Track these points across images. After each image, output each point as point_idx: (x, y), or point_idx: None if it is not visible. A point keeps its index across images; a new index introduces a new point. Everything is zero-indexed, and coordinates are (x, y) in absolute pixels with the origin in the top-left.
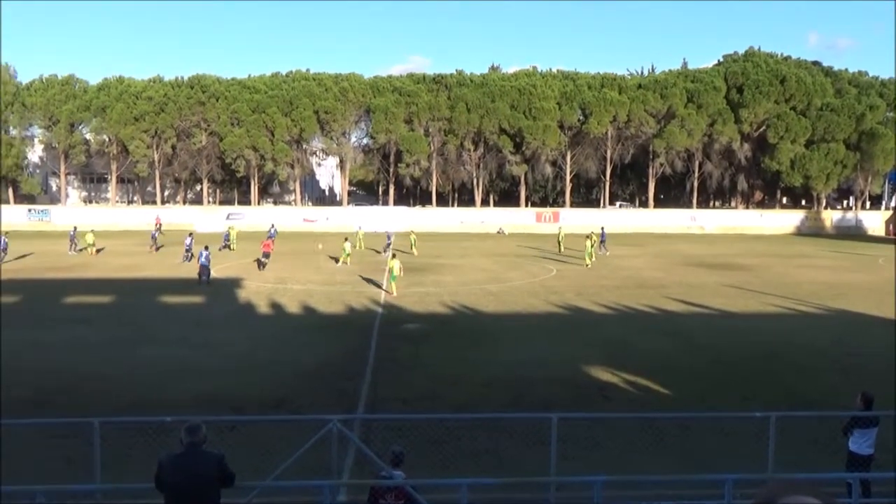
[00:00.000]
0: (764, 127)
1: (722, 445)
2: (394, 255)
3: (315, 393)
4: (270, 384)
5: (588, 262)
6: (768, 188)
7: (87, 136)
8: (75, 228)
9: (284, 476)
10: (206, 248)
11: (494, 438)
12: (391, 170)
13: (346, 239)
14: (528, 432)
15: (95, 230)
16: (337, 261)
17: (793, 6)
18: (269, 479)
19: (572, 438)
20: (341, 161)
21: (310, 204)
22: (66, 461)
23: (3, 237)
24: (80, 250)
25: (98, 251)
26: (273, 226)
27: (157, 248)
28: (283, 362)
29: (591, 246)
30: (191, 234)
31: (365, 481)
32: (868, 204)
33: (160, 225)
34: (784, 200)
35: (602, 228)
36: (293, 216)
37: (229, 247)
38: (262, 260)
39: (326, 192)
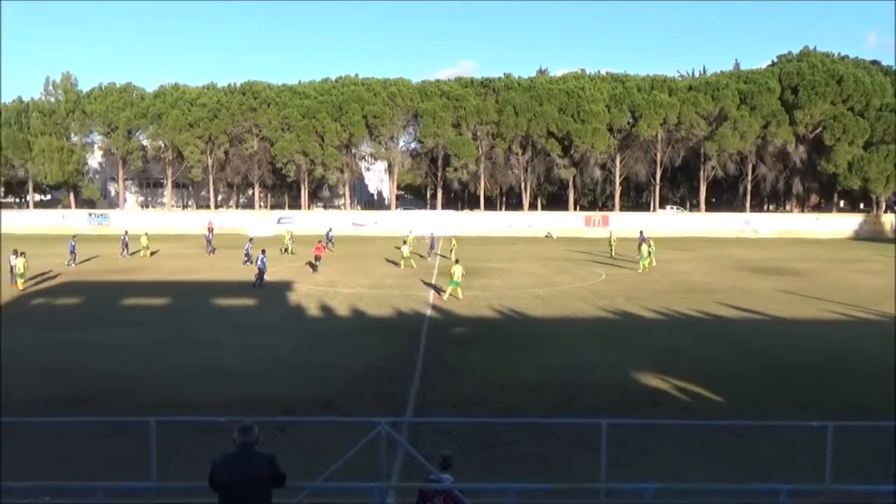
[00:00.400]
0: (820, 128)
1: (776, 454)
2: (457, 261)
3: (364, 395)
4: (320, 386)
5: (644, 267)
6: (824, 191)
7: (144, 142)
8: (127, 232)
9: (333, 477)
10: (263, 251)
11: (543, 443)
12: (439, 174)
13: (404, 242)
14: (576, 437)
15: (150, 233)
16: (398, 265)
17: (850, 5)
18: (318, 480)
19: (621, 444)
20: (389, 165)
21: (358, 208)
22: (118, 460)
23: (71, 241)
24: (133, 253)
25: (152, 254)
26: (330, 229)
27: (212, 252)
28: (333, 364)
29: (650, 253)
30: (250, 240)
31: (413, 484)
32: None
33: (212, 229)
34: (841, 204)
35: (641, 232)
36: (342, 220)
37: (288, 250)
38: (314, 263)
39: (375, 196)
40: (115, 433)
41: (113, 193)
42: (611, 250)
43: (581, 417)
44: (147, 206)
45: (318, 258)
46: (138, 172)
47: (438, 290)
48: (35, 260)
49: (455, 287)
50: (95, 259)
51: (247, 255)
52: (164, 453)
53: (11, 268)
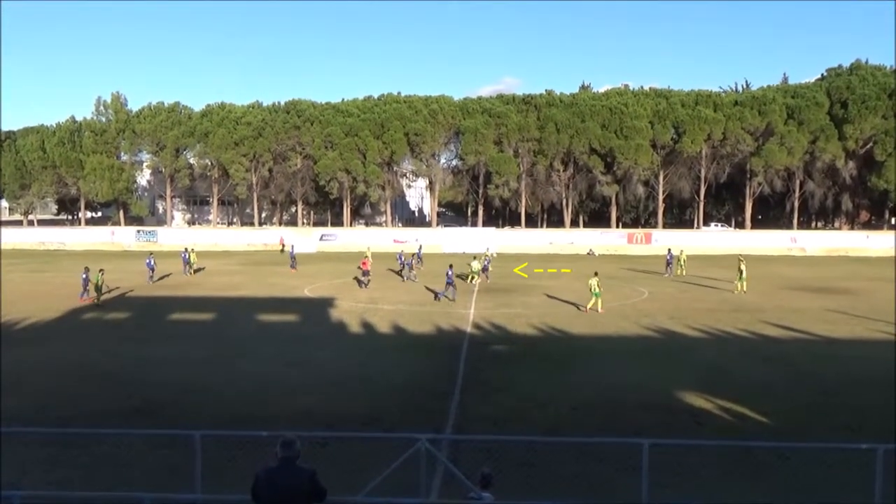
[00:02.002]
0: (871, 144)
1: (823, 477)
2: (595, 273)
3: (404, 412)
4: (361, 402)
5: (739, 288)
6: (875, 208)
7: (191, 161)
8: (187, 249)
9: (374, 493)
10: (451, 266)
11: (584, 463)
12: (480, 191)
13: (474, 258)
14: (618, 457)
15: (197, 250)
16: (466, 279)
17: None
18: (359, 496)
19: (664, 465)
20: (431, 182)
21: (400, 225)
22: (170, 470)
23: (151, 258)
24: (197, 271)
25: (196, 271)
26: (420, 247)
27: (294, 268)
28: (374, 381)
29: (744, 272)
30: (292, 246)
31: (453, 502)
32: None
33: (284, 245)
34: (893, 221)
35: (669, 250)
36: (384, 237)
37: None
38: (362, 279)
39: (416, 214)
40: (166, 445)
41: (161, 211)
42: (681, 268)
43: (623, 437)
44: (193, 223)
45: (365, 273)
46: (185, 190)
47: (583, 307)
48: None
49: (597, 299)
50: (168, 276)
51: (292, 258)
52: (210, 466)
53: (86, 282)
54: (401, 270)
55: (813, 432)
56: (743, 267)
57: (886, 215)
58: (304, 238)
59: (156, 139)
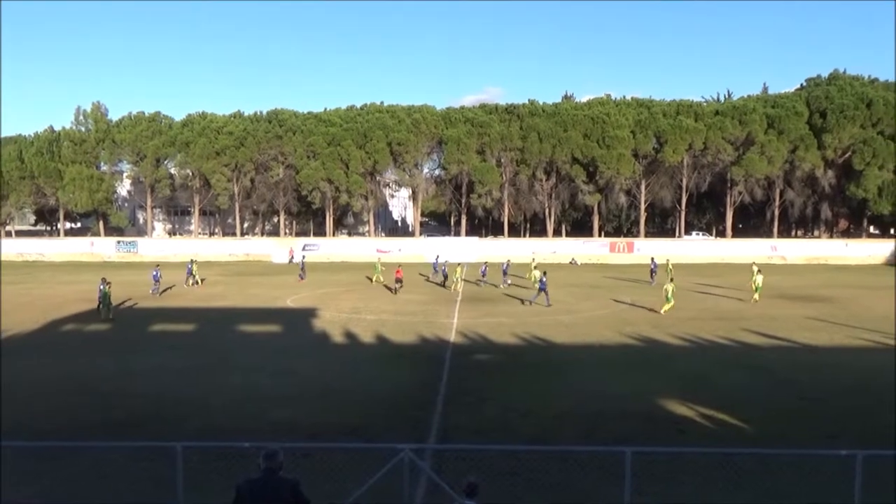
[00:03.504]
0: (849, 153)
1: (805, 484)
2: (671, 279)
3: (388, 422)
4: (344, 412)
5: (756, 297)
6: (854, 216)
7: (172, 171)
8: (192, 261)
9: (357, 503)
10: (486, 264)
11: (567, 471)
12: (463, 200)
13: (534, 268)
14: (601, 466)
15: (177, 261)
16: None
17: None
18: None
19: (647, 473)
20: (414, 192)
21: (383, 235)
22: (153, 482)
23: (157, 270)
24: (203, 280)
25: (200, 281)
26: (438, 256)
27: (303, 278)
28: (357, 391)
29: (760, 280)
30: (303, 256)
31: None
32: None
33: (293, 256)
34: (871, 229)
35: (652, 259)
36: (366, 247)
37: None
38: (396, 286)
39: (399, 223)
40: (148, 457)
41: (141, 221)
42: (668, 275)
43: (605, 445)
44: (174, 234)
45: (398, 281)
46: (166, 200)
47: (655, 310)
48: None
49: (669, 304)
50: (171, 288)
51: (302, 268)
52: (193, 477)
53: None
54: (443, 280)
55: (793, 439)
56: (757, 276)
57: (865, 224)
58: (287, 248)
59: (136, 149)
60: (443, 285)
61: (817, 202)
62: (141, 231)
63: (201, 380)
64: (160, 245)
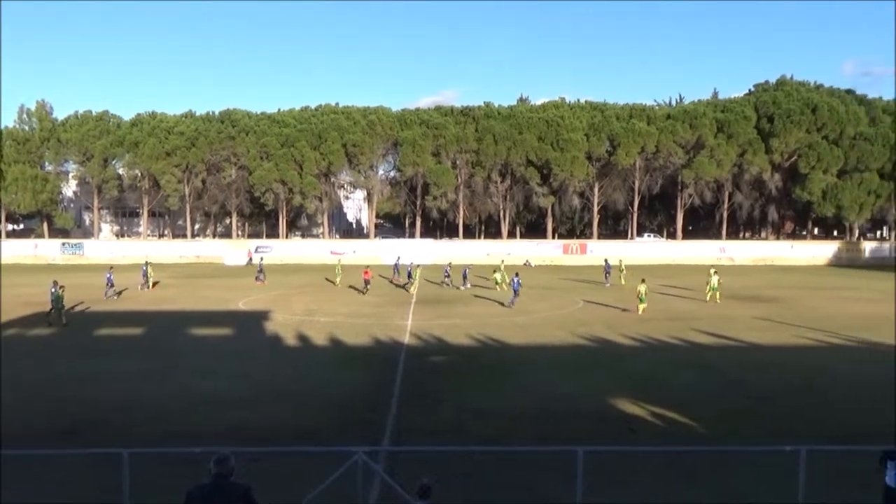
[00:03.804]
0: (795, 157)
1: (753, 480)
2: (643, 280)
3: (341, 424)
4: (297, 415)
5: (714, 297)
6: (799, 219)
7: (120, 171)
8: (147, 263)
9: None
10: (517, 274)
11: (521, 472)
12: (418, 202)
13: (494, 271)
14: (554, 466)
15: (126, 263)
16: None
17: (829, 34)
18: None
19: (599, 472)
20: (369, 194)
21: (337, 237)
22: (100, 490)
23: (110, 272)
24: (155, 283)
25: (154, 284)
26: (399, 258)
27: (261, 280)
28: (310, 394)
29: (718, 282)
30: (261, 258)
31: None
32: None
33: (251, 258)
34: (815, 231)
35: (605, 260)
36: (321, 249)
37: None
38: (364, 287)
39: (354, 225)
40: (96, 464)
41: (87, 223)
42: (622, 278)
43: (558, 445)
44: (123, 236)
45: (367, 282)
46: (114, 201)
47: (629, 310)
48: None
49: (642, 304)
50: (125, 290)
51: (260, 271)
52: (142, 484)
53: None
54: (408, 282)
55: (741, 436)
56: (713, 277)
57: (810, 226)
58: (239, 250)
59: (82, 149)
60: (405, 287)
61: (764, 205)
62: (87, 233)
63: (151, 384)
64: (107, 247)
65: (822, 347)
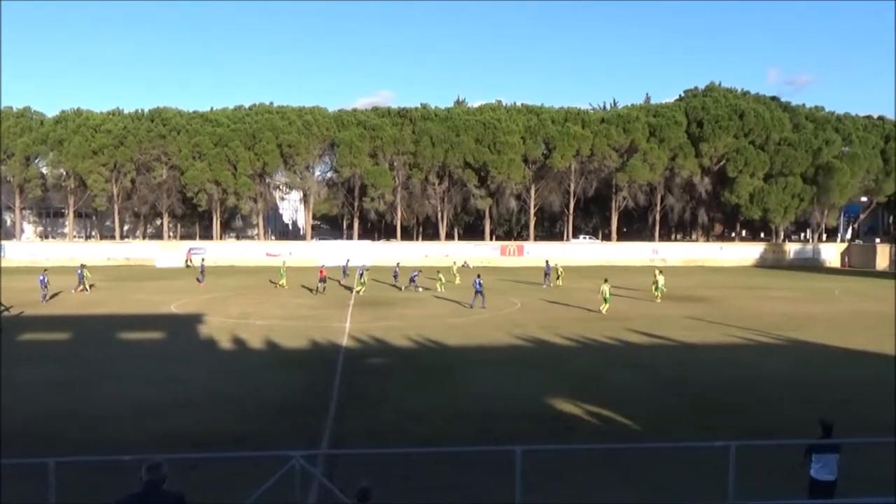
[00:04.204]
0: (724, 161)
1: (685, 475)
2: (606, 280)
3: (278, 429)
4: (232, 420)
5: (657, 296)
6: (728, 221)
7: (44, 170)
8: (83, 266)
9: None
10: (479, 276)
11: (460, 472)
12: (356, 204)
13: (438, 272)
14: (493, 465)
15: (50, 266)
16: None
17: (755, 42)
18: None
19: (537, 471)
20: (305, 195)
21: (273, 238)
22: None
23: (44, 275)
24: (91, 286)
25: (90, 286)
26: (348, 260)
27: (201, 281)
28: (246, 398)
29: (662, 281)
30: (202, 259)
31: None
32: (824, 236)
33: (191, 259)
34: (743, 233)
35: (546, 262)
36: (256, 251)
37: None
38: (320, 286)
39: (290, 227)
40: (21, 475)
41: (9, 223)
42: (559, 279)
43: (497, 445)
44: (47, 237)
45: (322, 280)
46: (37, 201)
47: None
48: None
49: (607, 303)
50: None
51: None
52: (70, 495)
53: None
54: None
55: (674, 432)
56: (659, 277)
57: (738, 228)
58: (171, 252)
59: (2, 146)
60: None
61: (695, 207)
62: (8, 234)
63: (78, 391)
64: (30, 249)
65: (750, 345)
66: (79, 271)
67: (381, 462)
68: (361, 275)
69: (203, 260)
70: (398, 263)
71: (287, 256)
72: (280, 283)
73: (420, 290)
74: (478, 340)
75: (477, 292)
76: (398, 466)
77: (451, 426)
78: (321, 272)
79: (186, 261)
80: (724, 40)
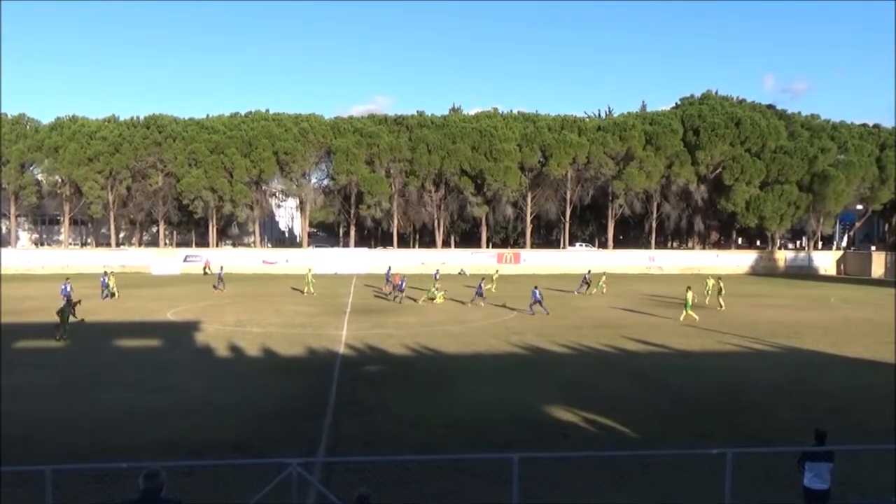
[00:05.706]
0: (720, 169)
1: (681, 482)
2: (689, 288)
3: (275, 436)
4: (229, 428)
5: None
6: (724, 229)
7: (39, 177)
8: (106, 272)
9: None
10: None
11: (457, 479)
12: (352, 211)
13: (433, 286)
14: (490, 472)
15: (46, 273)
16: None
17: (752, 49)
18: None
19: (534, 477)
20: (301, 202)
21: (269, 246)
22: None
23: (67, 283)
24: (113, 294)
25: (113, 295)
26: (390, 268)
27: (216, 288)
28: (243, 405)
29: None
30: (220, 267)
31: None
32: (820, 244)
33: (209, 268)
34: (739, 241)
35: (589, 271)
36: (252, 258)
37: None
38: (398, 294)
39: (286, 234)
40: (20, 482)
41: (4, 230)
42: (599, 288)
43: (494, 452)
44: (42, 244)
45: (398, 287)
46: (32, 208)
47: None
48: None
49: (688, 310)
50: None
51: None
52: (67, 503)
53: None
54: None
55: (670, 440)
56: (709, 284)
57: (734, 236)
58: (167, 259)
59: None
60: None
61: (691, 215)
62: (3, 241)
63: (75, 398)
64: (25, 256)
65: (746, 353)
66: (102, 278)
67: (378, 469)
68: (401, 284)
69: (222, 268)
70: (390, 268)
71: (283, 264)
72: (306, 290)
73: (399, 299)
74: (474, 348)
75: (535, 301)
76: (395, 474)
77: (447, 433)
78: (395, 278)
79: (205, 268)
80: (720, 48)
